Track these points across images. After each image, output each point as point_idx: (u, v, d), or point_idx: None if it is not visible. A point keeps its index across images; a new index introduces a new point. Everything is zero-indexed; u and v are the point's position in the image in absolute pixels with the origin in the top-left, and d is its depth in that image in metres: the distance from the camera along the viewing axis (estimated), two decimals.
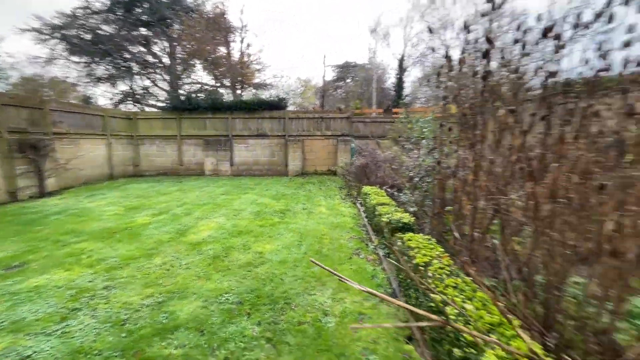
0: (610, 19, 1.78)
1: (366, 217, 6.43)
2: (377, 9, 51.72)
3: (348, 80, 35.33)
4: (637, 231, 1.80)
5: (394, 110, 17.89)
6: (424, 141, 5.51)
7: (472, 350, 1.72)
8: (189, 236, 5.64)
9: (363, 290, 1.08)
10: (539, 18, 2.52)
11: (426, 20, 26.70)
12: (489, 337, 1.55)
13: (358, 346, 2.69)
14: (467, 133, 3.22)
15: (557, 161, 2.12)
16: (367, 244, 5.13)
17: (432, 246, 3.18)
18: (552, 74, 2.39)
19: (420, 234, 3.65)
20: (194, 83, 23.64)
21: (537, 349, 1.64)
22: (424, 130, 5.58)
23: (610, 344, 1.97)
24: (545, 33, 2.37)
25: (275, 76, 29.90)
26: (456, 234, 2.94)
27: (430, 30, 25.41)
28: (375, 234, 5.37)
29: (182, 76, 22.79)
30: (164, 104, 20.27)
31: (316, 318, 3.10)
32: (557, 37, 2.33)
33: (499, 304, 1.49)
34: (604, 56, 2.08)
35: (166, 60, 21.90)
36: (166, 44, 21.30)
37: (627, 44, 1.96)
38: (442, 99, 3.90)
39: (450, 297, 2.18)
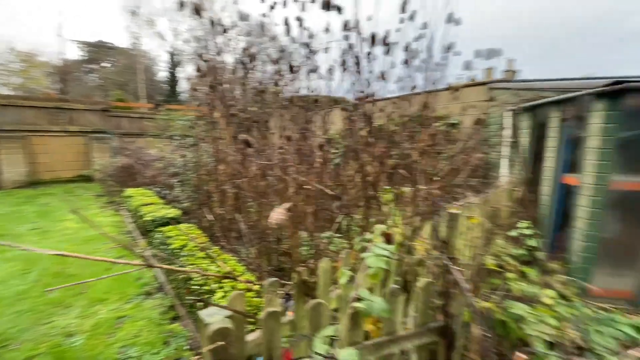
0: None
1: (133, 221, 5.83)
2: None
3: (105, 65, 28.68)
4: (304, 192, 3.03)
5: (168, 106, 16.72)
6: (189, 139, 5.75)
7: (208, 295, 2.24)
8: None
9: (59, 255, 1.21)
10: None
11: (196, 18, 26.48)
12: (196, 270, 2.11)
13: (114, 348, 2.59)
14: (214, 131, 3.81)
15: (264, 152, 3.09)
16: (133, 249, 4.72)
17: (192, 231, 3.55)
18: (259, 92, 3.38)
19: (187, 224, 3.93)
20: None
21: (252, 277, 2.40)
22: (189, 128, 5.83)
23: (299, 260, 3.18)
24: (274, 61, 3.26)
25: None
26: (209, 216, 3.47)
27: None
28: (143, 236, 5.05)
29: None
30: None
31: (56, 344, 2.62)
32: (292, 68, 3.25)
33: (213, 254, 2.06)
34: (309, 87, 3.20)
35: None
36: None
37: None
38: (198, 100, 4.32)
39: (197, 265, 2.63)
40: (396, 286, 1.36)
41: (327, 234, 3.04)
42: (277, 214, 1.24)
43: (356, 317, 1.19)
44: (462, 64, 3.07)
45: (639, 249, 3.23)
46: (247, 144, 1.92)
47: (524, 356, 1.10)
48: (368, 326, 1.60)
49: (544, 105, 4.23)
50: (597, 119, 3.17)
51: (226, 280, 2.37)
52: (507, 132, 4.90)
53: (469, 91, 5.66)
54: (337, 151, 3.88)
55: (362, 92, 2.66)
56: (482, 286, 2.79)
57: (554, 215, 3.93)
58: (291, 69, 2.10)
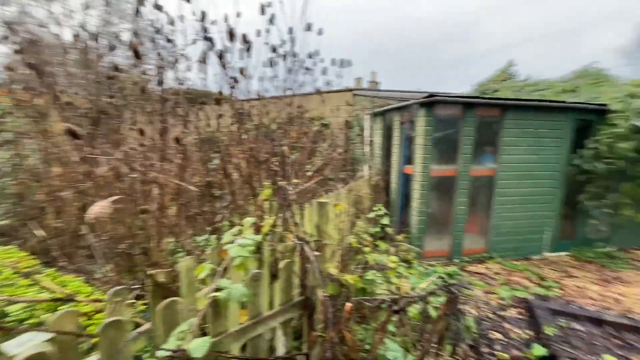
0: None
1: None
2: None
3: None
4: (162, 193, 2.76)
5: None
6: (2, 133, 4.28)
7: None
8: None
9: None
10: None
11: None
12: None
13: None
14: (43, 124, 2.99)
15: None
16: None
17: (12, 254, 2.70)
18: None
19: (2, 247, 2.94)
20: None
21: (100, 295, 2.03)
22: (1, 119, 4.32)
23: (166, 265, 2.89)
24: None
25: None
26: (38, 232, 2.71)
27: None
28: None
29: None
30: None
31: None
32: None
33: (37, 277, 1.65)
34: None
35: None
36: None
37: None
38: (16, 83, 3.30)
39: (18, 296, 2.03)
40: (257, 271, 1.44)
41: (205, 236, 2.88)
42: (98, 208, 1.09)
43: (216, 307, 1.20)
44: (321, 70, 3.45)
45: (449, 220, 4.45)
46: (74, 134, 1.60)
47: (350, 304, 1.38)
48: (243, 318, 1.63)
49: (390, 111, 5.26)
50: (421, 123, 4.17)
51: (66, 307, 1.93)
52: (367, 132, 5.84)
53: (337, 96, 6.44)
54: (217, 149, 3.72)
55: (233, 88, 2.64)
56: (350, 263, 3.25)
57: (400, 198, 4.96)
58: (137, 54, 1.87)
